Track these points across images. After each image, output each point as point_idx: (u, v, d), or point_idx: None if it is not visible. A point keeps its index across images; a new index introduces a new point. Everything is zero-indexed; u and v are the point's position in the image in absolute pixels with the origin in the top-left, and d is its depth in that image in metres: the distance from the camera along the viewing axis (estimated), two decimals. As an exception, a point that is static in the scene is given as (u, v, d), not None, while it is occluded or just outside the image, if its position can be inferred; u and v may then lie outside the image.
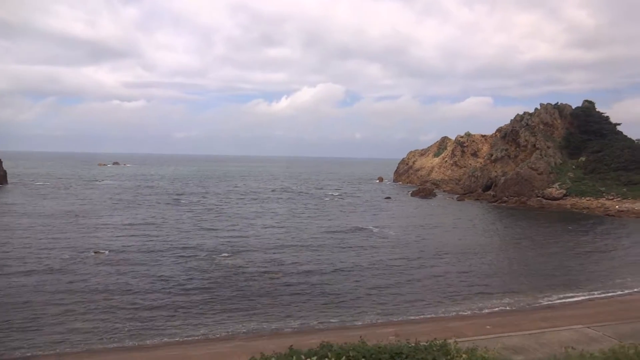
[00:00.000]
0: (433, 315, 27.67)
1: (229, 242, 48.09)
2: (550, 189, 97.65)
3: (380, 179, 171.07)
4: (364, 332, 20.36)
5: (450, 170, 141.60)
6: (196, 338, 23.53)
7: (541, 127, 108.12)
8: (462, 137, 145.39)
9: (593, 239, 56.30)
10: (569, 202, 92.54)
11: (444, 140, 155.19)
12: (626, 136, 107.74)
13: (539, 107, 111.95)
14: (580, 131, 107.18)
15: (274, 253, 43.22)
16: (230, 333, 24.61)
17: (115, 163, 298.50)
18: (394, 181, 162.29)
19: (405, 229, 60.44)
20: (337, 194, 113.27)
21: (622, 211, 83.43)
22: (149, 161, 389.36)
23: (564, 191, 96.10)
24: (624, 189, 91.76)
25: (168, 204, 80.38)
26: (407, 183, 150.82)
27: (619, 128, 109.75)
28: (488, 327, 19.67)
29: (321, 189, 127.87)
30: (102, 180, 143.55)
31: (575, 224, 69.59)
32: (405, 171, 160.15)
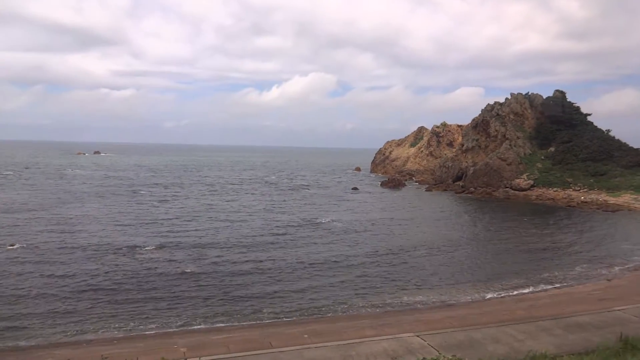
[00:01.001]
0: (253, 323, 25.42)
1: (162, 236, 46.26)
2: (518, 180, 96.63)
3: (358, 169, 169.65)
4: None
5: (425, 161, 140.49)
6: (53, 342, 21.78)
7: (512, 117, 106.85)
8: (438, 127, 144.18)
9: (541, 232, 55.09)
10: (535, 192, 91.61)
11: (421, 130, 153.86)
12: (596, 127, 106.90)
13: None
14: (550, 121, 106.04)
15: (202, 249, 41.50)
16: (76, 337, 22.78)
17: (97, 152, 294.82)
18: (371, 172, 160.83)
19: (355, 222, 58.90)
20: (305, 184, 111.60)
21: (586, 202, 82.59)
22: (133, 151, 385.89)
23: (532, 182, 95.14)
24: (591, 180, 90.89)
25: (122, 195, 78.18)
26: (383, 173, 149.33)
27: (589, 119, 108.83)
28: (305, 336, 17.95)
29: (292, 179, 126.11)
30: (73, 170, 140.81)
31: (533, 215, 68.55)
32: (381, 161, 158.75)
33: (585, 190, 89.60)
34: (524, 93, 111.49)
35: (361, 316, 25.57)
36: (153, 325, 24.41)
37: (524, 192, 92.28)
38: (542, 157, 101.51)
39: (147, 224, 52.85)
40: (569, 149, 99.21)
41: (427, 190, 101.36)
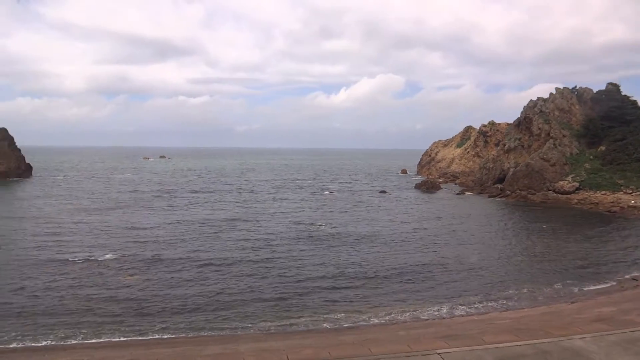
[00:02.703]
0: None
1: (136, 245, 46.05)
2: (562, 182, 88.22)
3: (404, 171, 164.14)
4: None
5: (471, 162, 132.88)
6: None
7: (556, 113, 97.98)
8: (485, 126, 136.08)
9: (553, 243, 49.06)
10: (578, 196, 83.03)
11: (468, 129, 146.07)
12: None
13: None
14: (601, 118, 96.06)
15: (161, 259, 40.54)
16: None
17: (162, 157, 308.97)
18: (417, 174, 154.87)
19: (349, 224, 55.89)
20: (334, 188, 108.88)
21: (634, 207, 73.60)
22: (201, 154, 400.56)
23: (577, 184, 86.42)
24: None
25: (144, 201, 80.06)
26: (428, 175, 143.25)
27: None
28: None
29: (327, 183, 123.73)
30: (124, 174, 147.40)
31: (558, 222, 61.71)
32: (427, 163, 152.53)
33: (638, 193, 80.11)
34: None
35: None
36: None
37: (566, 196, 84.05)
38: (591, 157, 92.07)
39: (133, 229, 52.99)
40: (621, 147, 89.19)
41: (459, 194, 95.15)
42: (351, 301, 29.39)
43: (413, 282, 33.51)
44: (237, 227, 54.60)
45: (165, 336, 24.04)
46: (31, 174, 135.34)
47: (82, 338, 23.56)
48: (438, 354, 13.35)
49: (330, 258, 40.14)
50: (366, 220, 60.58)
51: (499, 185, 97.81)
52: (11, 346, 22.68)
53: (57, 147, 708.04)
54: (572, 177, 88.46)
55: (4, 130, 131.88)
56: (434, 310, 27.41)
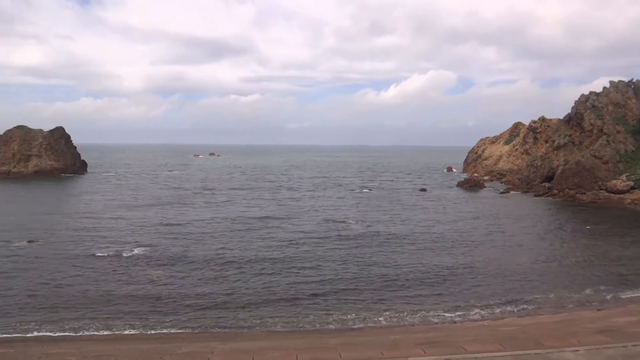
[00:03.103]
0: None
1: (167, 241, 47.27)
2: (615, 181, 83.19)
3: (449, 169, 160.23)
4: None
5: (520, 160, 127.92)
6: None
7: (610, 108, 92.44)
8: (535, 122, 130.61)
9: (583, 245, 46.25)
10: (632, 196, 78.05)
11: (517, 126, 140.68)
12: None
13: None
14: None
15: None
16: None
17: (211, 154, 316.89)
18: (463, 171, 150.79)
19: (381, 223, 54.99)
20: (375, 185, 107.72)
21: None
22: (250, 152, 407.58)
23: (632, 183, 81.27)
24: None
25: (184, 198, 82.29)
26: (474, 173, 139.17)
27: None
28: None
29: (368, 181, 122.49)
30: (171, 171, 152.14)
31: (607, 224, 58.11)
32: (473, 160, 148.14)
33: (700, 193, 74.51)
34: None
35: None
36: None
37: (619, 196, 79.23)
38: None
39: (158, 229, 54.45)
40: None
41: (503, 193, 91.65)
42: (364, 302, 28.81)
43: (433, 285, 32.41)
44: (268, 224, 54.87)
45: (173, 331, 24.42)
46: (86, 171, 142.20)
47: (94, 329, 24.35)
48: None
49: (354, 258, 39.49)
50: (400, 219, 59.41)
51: (547, 184, 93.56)
52: (28, 335, 23.73)
53: (116, 144, 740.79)
54: (626, 176, 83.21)
55: (61, 128, 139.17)
56: (447, 314, 26.39)
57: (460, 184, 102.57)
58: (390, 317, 26.00)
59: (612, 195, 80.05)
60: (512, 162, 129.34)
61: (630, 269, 37.02)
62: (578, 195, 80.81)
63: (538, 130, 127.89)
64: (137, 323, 25.41)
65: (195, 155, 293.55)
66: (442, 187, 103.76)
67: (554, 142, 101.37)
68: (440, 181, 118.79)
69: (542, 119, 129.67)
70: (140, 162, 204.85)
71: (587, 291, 31.40)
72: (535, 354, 13.18)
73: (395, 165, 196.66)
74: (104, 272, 34.68)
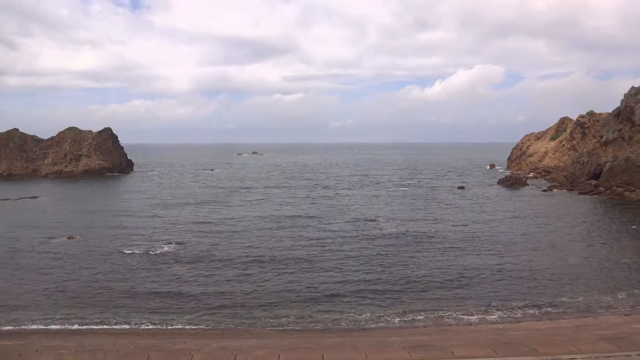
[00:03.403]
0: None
1: (195, 240, 48.38)
2: (668, 178, 78.78)
3: (492, 166, 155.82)
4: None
5: (566, 156, 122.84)
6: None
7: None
8: (583, 116, 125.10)
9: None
10: (687, 194, 73.58)
11: (564, 121, 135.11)
12: None
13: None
14: None
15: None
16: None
17: (254, 153, 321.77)
18: (507, 168, 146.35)
19: (412, 222, 54.14)
20: (414, 183, 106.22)
21: None
22: (293, 150, 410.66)
23: (686, 181, 76.72)
24: None
25: (220, 197, 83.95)
26: (517, 170, 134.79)
27: None
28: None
29: (411, 177, 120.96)
30: (213, 170, 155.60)
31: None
32: (517, 157, 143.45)
33: None
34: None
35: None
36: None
37: (672, 194, 74.79)
38: None
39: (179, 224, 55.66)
40: None
41: (547, 190, 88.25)
42: (379, 302, 28.47)
43: (456, 287, 31.50)
44: (298, 223, 55.07)
45: (187, 327, 25.01)
46: (132, 170, 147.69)
47: (113, 323, 25.32)
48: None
49: (379, 258, 39.02)
50: (432, 218, 58.24)
51: (593, 182, 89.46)
52: (50, 327, 24.98)
53: (165, 144, 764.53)
54: (680, 173, 78.52)
55: (109, 129, 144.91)
56: (465, 317, 25.69)
57: (501, 182, 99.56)
58: (400, 319, 25.59)
59: (664, 193, 75.68)
60: (558, 159, 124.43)
61: None
62: (626, 193, 76.79)
63: (586, 125, 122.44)
64: (154, 318, 26.16)
65: (239, 154, 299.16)
66: (482, 184, 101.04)
67: (602, 137, 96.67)
68: (481, 179, 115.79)
69: (591, 113, 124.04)
70: (184, 161, 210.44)
71: (621, 295, 29.78)
72: (525, 361, 12.57)
73: (436, 163, 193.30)
74: (131, 268, 35.87)
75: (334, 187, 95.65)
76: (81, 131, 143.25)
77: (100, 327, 24.82)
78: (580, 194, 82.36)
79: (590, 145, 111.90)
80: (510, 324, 23.53)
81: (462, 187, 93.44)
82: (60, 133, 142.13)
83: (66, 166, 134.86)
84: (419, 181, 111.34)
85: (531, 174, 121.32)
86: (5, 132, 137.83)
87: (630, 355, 13.01)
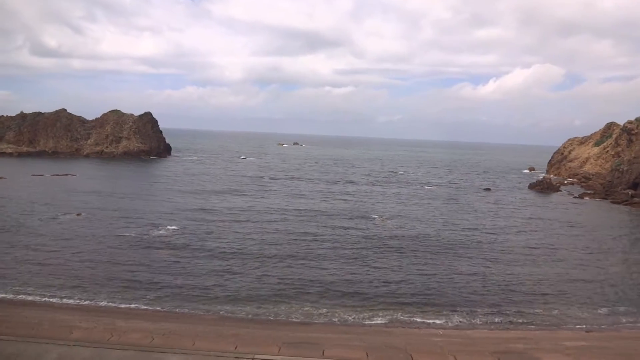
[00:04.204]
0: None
1: (195, 226, 49.30)
2: None
3: (531, 169, 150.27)
4: None
5: (609, 163, 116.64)
6: None
7: None
8: (631, 122, 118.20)
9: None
10: None
11: (610, 126, 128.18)
12: None
13: None
14: None
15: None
16: None
17: (296, 143, 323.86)
18: (547, 172, 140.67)
19: (420, 225, 52.89)
20: (441, 182, 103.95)
21: None
22: (337, 143, 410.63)
23: None
24: None
25: (241, 185, 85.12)
26: (556, 175, 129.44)
27: None
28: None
29: (441, 177, 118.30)
30: (247, 158, 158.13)
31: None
32: (557, 162, 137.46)
33: None
34: None
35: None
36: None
37: None
38: None
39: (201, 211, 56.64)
40: None
41: (579, 197, 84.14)
42: (338, 300, 28.09)
43: (424, 292, 30.62)
44: (300, 217, 54.32)
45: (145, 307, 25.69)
46: (169, 154, 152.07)
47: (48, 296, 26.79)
48: None
49: (361, 257, 38.40)
50: (441, 220, 56.22)
51: (630, 191, 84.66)
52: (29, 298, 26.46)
53: (216, 131, 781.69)
54: None
55: (149, 114, 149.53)
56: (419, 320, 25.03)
57: (532, 186, 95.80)
58: (354, 317, 25.21)
59: None
60: (600, 166, 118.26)
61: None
62: (660, 205, 72.26)
63: (634, 131, 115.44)
64: (115, 297, 27.14)
65: (279, 144, 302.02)
66: (512, 188, 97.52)
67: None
68: (515, 182, 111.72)
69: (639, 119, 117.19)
70: (222, 148, 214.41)
71: (602, 311, 28.18)
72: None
73: (475, 163, 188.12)
74: (115, 248, 37.14)
75: (357, 182, 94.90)
76: (123, 114, 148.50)
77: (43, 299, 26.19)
78: (612, 203, 78.14)
79: (633, 153, 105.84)
80: (451, 330, 22.75)
81: (488, 189, 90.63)
82: (103, 115, 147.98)
83: (107, 147, 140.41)
84: (449, 180, 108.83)
85: (570, 180, 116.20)
86: (53, 112, 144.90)
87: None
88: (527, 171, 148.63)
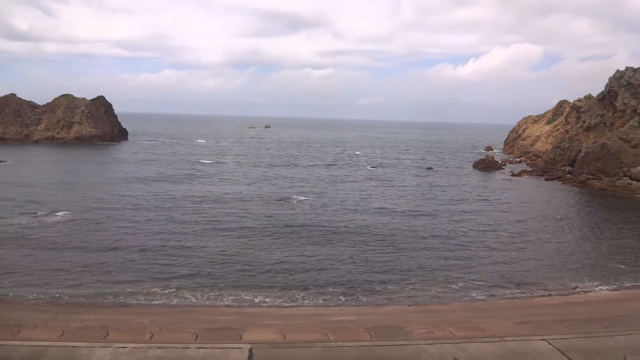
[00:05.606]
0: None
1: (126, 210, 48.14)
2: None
3: (489, 148, 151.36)
4: None
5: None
6: None
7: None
8: (579, 100, 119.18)
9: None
10: (654, 186, 69.49)
11: (562, 104, 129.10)
12: None
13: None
14: None
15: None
16: None
17: (267, 126, 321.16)
18: (503, 151, 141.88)
19: (339, 203, 52.59)
20: (389, 162, 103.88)
21: None
22: (306, 126, 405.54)
23: (660, 171, 72.40)
24: None
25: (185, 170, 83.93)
26: (510, 154, 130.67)
27: None
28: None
29: (391, 157, 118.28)
30: (207, 141, 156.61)
31: (598, 213, 51.95)
32: (512, 140, 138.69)
33: None
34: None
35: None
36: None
37: (640, 185, 70.82)
38: (685, 139, 76.05)
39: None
40: None
41: (517, 175, 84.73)
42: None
43: (302, 272, 30.32)
44: (217, 204, 52.71)
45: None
46: (126, 139, 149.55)
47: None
48: None
49: (256, 239, 38.08)
50: (361, 202, 55.53)
51: (567, 168, 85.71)
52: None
53: (193, 114, 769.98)
54: (656, 163, 74.08)
55: (102, 97, 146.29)
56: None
57: (476, 165, 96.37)
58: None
59: (634, 183, 71.75)
60: (550, 144, 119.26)
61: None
62: (590, 181, 73.15)
63: (582, 109, 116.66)
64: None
65: (250, 127, 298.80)
66: (458, 167, 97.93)
67: (585, 122, 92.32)
68: (464, 161, 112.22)
69: (588, 97, 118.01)
70: (186, 133, 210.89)
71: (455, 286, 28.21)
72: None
73: (436, 143, 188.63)
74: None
75: (297, 165, 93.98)
76: (75, 98, 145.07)
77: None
78: (546, 180, 78.93)
79: (573, 131, 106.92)
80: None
81: (430, 168, 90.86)
82: (55, 99, 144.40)
83: (58, 132, 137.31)
84: (398, 161, 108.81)
85: (521, 158, 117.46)
86: (2, 97, 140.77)
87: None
88: (484, 150, 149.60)
